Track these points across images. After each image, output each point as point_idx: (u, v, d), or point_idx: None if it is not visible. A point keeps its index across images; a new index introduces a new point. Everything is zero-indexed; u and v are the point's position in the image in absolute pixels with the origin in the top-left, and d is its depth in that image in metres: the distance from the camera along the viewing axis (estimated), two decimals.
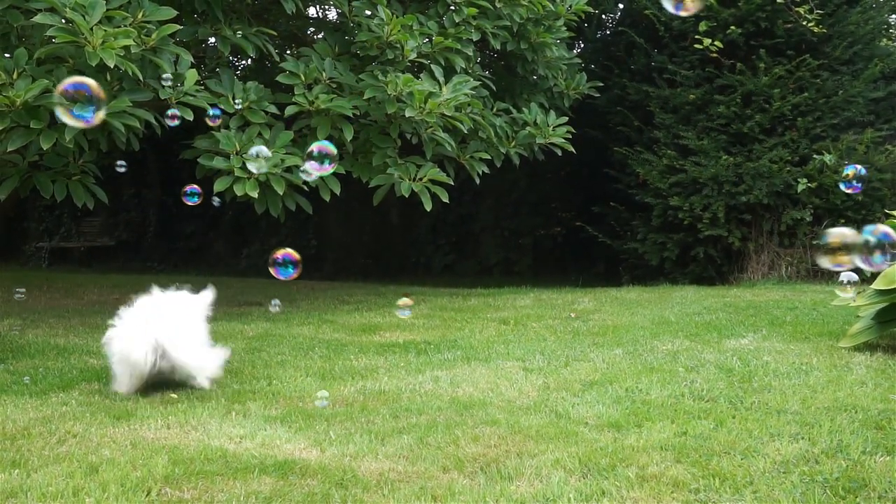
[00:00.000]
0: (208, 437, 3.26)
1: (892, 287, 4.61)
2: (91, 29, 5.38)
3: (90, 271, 14.04)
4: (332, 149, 3.98)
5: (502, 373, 4.35)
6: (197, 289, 4.43)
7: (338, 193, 6.99)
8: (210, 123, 6.08)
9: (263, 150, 5.64)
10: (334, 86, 6.94)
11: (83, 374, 4.45)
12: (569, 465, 2.85)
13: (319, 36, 8.71)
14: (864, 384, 3.90)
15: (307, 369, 4.54)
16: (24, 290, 6.18)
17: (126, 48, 5.51)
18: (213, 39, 7.06)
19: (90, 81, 3.28)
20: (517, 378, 4.22)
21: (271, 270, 4.26)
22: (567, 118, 8.48)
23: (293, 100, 6.68)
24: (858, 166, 4.83)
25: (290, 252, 4.26)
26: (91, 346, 5.27)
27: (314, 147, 3.98)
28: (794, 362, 4.43)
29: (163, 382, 4.09)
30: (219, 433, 3.32)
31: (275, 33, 7.35)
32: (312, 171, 4.07)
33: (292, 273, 4.23)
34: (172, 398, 3.90)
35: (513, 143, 8.16)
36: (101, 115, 3.45)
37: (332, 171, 3.98)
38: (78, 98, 3.29)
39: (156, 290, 4.27)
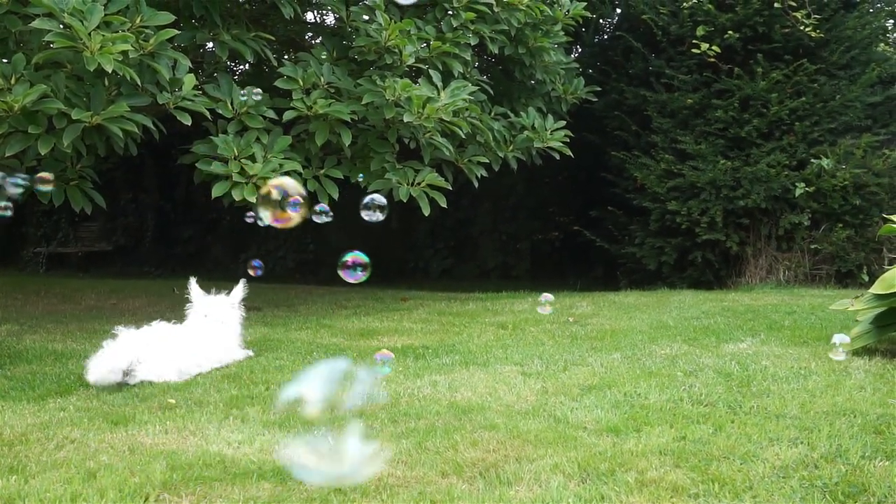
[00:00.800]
0: (206, 443, 3.25)
1: (890, 292, 4.61)
2: (89, 34, 5.37)
3: (88, 276, 14.02)
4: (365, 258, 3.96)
5: (500, 377, 4.35)
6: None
7: (336, 198, 6.99)
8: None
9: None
10: (332, 91, 6.94)
11: (81, 379, 4.43)
12: (568, 470, 2.84)
13: (317, 41, 8.72)
14: (862, 389, 3.90)
15: None
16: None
17: (124, 53, 5.51)
18: (211, 44, 7.06)
19: (289, 184, 3.22)
20: (515, 383, 4.21)
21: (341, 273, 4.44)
22: (565, 122, 8.49)
23: (291, 105, 6.68)
24: None
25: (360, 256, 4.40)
26: (89, 351, 5.24)
27: (349, 258, 3.97)
28: (793, 367, 4.43)
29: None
30: (217, 438, 3.31)
31: (273, 38, 7.34)
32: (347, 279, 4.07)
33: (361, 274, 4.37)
34: (170, 403, 3.89)
35: (511, 148, 8.16)
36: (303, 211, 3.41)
37: (364, 278, 4.04)
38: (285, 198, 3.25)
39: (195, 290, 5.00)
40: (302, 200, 3.06)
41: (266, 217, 2.98)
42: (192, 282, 5.09)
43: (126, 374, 4.34)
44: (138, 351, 4.41)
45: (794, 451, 2.99)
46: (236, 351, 5.03)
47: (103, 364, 4.32)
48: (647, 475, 2.77)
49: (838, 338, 2.88)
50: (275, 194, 2.93)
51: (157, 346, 4.52)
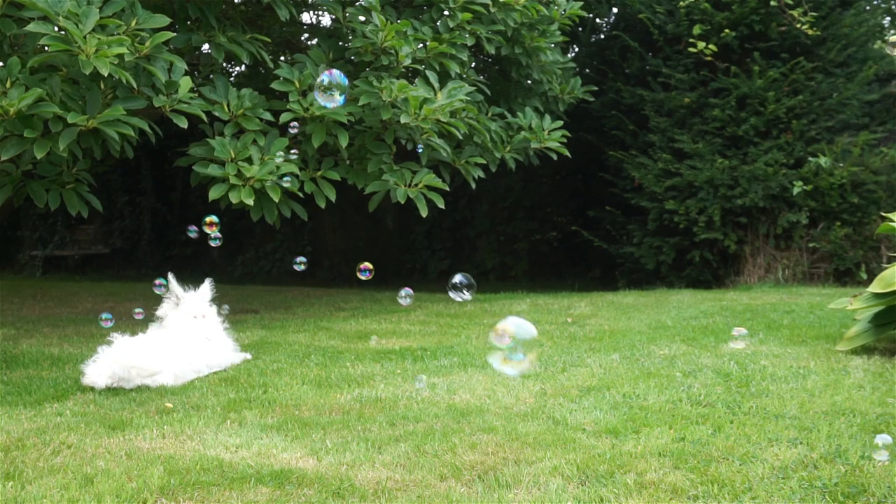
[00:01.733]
0: (204, 447, 3.24)
1: (889, 290, 4.61)
2: (84, 37, 5.35)
3: (84, 279, 14.00)
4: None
5: (499, 379, 4.33)
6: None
7: (333, 200, 6.98)
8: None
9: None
10: None
11: (78, 384, 4.42)
12: (567, 473, 2.83)
13: (313, 42, 8.71)
14: (861, 388, 3.89)
15: (303, 377, 4.52)
16: None
17: (120, 56, 5.49)
18: (206, 46, 7.04)
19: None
20: (514, 384, 4.20)
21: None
22: (562, 122, 8.48)
23: (288, 107, 6.66)
24: None
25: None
26: (86, 355, 5.22)
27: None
28: (792, 366, 4.42)
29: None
30: (214, 442, 3.29)
31: (269, 40, 7.33)
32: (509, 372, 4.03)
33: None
34: (168, 408, 3.88)
35: (508, 148, 8.15)
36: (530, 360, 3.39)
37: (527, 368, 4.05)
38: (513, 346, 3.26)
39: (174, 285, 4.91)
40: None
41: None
42: (172, 278, 4.91)
43: (121, 378, 4.31)
44: (140, 355, 4.36)
45: (794, 451, 2.98)
46: (234, 354, 5.01)
47: (109, 367, 4.28)
48: (647, 477, 2.77)
49: (881, 438, 2.91)
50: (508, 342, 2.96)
51: (157, 351, 4.48)
